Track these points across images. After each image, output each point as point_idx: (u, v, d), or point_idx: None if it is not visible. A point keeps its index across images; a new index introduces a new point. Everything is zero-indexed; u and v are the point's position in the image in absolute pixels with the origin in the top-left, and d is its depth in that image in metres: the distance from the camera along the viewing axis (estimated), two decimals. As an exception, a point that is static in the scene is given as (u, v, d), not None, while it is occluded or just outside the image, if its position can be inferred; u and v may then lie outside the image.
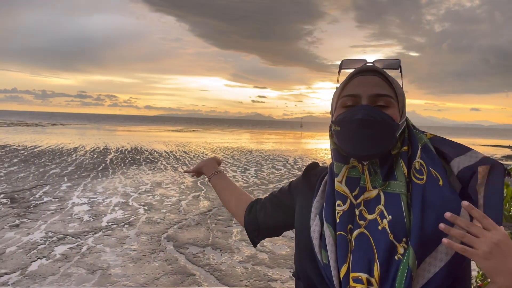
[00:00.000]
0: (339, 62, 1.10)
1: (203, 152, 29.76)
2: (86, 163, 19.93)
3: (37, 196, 11.95)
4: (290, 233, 8.23)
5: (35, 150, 25.46)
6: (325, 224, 0.98)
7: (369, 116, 0.94)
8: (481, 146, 62.82)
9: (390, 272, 0.87)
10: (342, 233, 0.95)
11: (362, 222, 0.94)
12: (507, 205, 2.11)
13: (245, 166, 21.79)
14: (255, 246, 1.44)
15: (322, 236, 1.00)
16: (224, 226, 9.52)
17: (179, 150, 30.43)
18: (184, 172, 1.74)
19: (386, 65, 1.05)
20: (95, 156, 23.56)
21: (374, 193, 0.96)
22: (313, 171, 1.24)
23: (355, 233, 0.94)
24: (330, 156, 1.12)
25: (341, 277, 0.91)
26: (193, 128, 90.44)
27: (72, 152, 25.03)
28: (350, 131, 0.96)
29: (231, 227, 9.45)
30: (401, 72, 1.06)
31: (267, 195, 1.46)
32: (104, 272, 6.61)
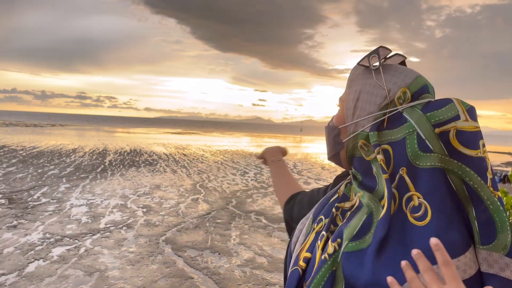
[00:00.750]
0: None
1: (203, 155, 29.73)
2: (85, 165, 19.89)
3: (35, 197, 11.91)
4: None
5: (34, 150, 25.41)
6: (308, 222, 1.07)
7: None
8: (481, 152, 62.77)
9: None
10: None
11: (332, 227, 0.97)
12: (507, 213, 2.10)
13: (244, 169, 21.75)
14: (290, 237, 1.44)
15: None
16: (223, 229, 9.48)
17: (178, 152, 30.40)
18: (254, 155, 1.72)
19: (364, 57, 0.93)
20: (94, 157, 23.52)
21: (354, 202, 0.93)
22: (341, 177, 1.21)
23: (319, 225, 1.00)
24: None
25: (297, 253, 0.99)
26: (193, 131, 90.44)
27: (71, 153, 24.99)
28: None
29: (230, 230, 9.41)
30: (370, 65, 0.92)
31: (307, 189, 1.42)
32: (101, 274, 6.57)
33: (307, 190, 1.38)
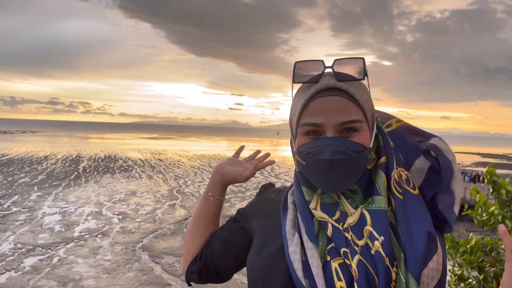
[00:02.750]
0: None
1: (179, 160, 29.46)
2: (57, 172, 19.39)
3: (5, 206, 11.52)
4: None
5: (3, 158, 24.60)
6: (309, 244, 0.85)
7: (338, 153, 0.82)
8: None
9: None
10: (339, 259, 0.83)
11: (356, 248, 0.82)
12: (480, 210, 2.18)
13: (221, 174, 21.71)
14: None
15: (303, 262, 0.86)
16: (200, 234, 9.45)
17: (154, 158, 30.02)
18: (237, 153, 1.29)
19: (349, 68, 0.88)
20: (67, 164, 22.95)
21: (357, 214, 0.85)
22: (269, 190, 1.11)
23: (355, 259, 0.81)
24: None
25: None
26: (169, 136, 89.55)
27: (43, 161, 24.31)
28: (319, 172, 0.84)
29: (207, 235, 9.39)
30: (367, 76, 0.90)
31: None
32: (76, 284, 6.41)
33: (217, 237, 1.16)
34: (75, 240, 8.59)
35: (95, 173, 19.64)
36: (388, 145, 0.92)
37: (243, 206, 1.16)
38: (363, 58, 0.88)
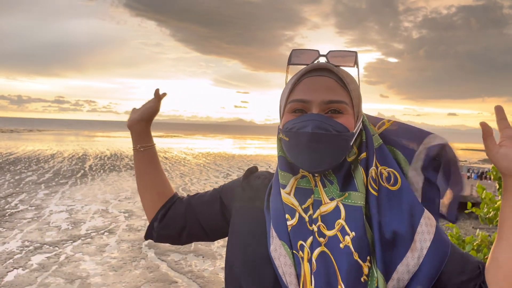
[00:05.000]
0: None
1: (185, 158, 29.53)
2: (64, 170, 19.51)
3: (12, 204, 11.62)
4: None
5: (11, 157, 24.79)
6: (278, 242, 0.87)
7: (320, 128, 0.84)
8: (459, 150, 64.15)
9: None
10: (294, 251, 0.85)
11: (321, 239, 0.84)
12: (485, 208, 2.16)
13: (227, 172, 21.71)
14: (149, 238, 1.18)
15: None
16: (206, 232, 9.47)
17: (160, 156, 30.07)
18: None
19: (341, 59, 0.93)
20: (73, 162, 23.09)
21: (332, 205, 0.86)
22: (254, 175, 1.11)
23: (316, 251, 0.83)
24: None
25: None
26: (175, 134, 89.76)
27: (50, 159, 24.48)
28: (299, 145, 0.86)
29: (213, 233, 9.41)
30: (357, 67, 0.94)
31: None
32: (83, 281, 6.46)
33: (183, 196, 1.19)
34: (82, 238, 8.65)
35: (101, 171, 19.75)
36: (370, 143, 0.92)
37: (226, 182, 1.18)
38: (355, 52, 0.93)
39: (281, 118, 0.97)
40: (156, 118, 1.22)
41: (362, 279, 0.80)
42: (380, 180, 0.89)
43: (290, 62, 0.96)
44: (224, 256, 1.03)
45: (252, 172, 1.12)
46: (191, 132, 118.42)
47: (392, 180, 0.89)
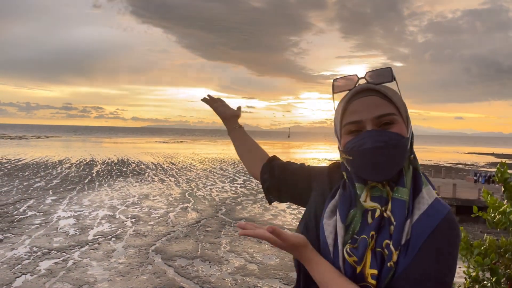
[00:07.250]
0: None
1: (191, 163, 29.60)
2: (71, 176, 19.64)
3: (21, 210, 11.72)
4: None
5: (19, 163, 25.01)
6: (340, 224, 0.99)
7: (378, 142, 0.94)
8: (466, 154, 63.68)
9: (384, 278, 0.90)
10: (364, 236, 0.96)
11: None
12: (491, 212, 2.16)
13: (233, 177, 21.72)
14: (269, 199, 1.38)
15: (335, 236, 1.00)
16: (213, 237, 9.44)
17: (166, 161, 30.21)
18: (204, 99, 1.60)
19: (379, 77, 1.04)
20: (81, 168, 23.24)
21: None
22: (337, 170, 1.21)
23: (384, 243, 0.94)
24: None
25: (358, 271, 0.93)
26: (181, 139, 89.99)
27: (57, 165, 24.65)
28: (363, 162, 0.96)
29: (220, 238, 9.39)
30: (395, 80, 1.05)
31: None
32: (90, 287, 6.48)
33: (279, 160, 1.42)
34: (89, 244, 8.69)
35: (109, 177, 19.84)
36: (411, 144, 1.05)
37: (314, 167, 1.30)
38: (390, 67, 1.04)
39: (339, 140, 1.07)
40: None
41: (388, 264, 0.90)
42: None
43: (335, 91, 1.08)
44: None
45: (337, 166, 1.22)
46: (197, 137, 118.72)
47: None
